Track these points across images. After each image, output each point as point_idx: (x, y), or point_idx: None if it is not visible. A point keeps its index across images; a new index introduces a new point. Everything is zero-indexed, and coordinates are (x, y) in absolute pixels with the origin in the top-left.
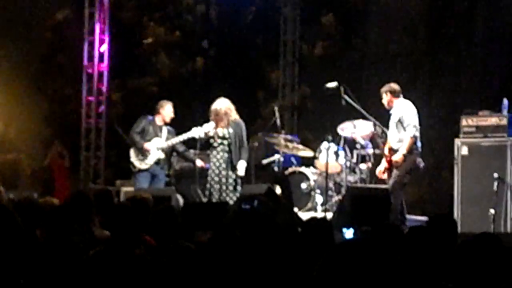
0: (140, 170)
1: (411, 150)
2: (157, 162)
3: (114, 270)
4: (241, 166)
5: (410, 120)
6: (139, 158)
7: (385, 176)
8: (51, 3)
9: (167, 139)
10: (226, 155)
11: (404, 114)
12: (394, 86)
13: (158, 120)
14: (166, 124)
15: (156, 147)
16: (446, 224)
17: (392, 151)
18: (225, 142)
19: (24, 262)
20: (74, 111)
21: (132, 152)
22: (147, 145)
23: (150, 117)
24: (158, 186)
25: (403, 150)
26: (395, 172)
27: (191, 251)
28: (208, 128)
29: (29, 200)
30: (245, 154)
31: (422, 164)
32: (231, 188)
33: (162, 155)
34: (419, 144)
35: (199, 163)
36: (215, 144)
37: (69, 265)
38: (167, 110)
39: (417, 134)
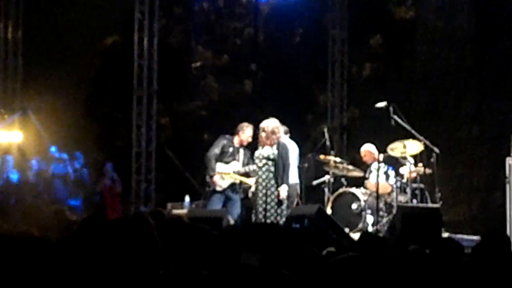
0: (214, 191)
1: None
2: (231, 186)
3: None
4: (283, 190)
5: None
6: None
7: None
8: (101, 29)
9: (243, 163)
10: (270, 175)
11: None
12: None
13: (236, 141)
14: (242, 146)
15: (232, 171)
16: (500, 241)
17: None
18: (270, 162)
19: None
20: (124, 134)
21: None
22: (216, 178)
23: (228, 137)
24: (232, 209)
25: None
26: None
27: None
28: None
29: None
30: (286, 177)
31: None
32: (275, 207)
33: (237, 180)
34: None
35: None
36: (260, 164)
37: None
38: (247, 134)
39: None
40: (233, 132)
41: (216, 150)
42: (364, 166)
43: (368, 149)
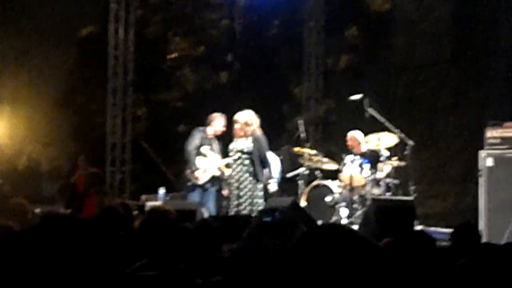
0: (195, 185)
1: None
2: (211, 179)
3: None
4: (273, 185)
5: None
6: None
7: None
8: (76, 19)
9: (221, 155)
10: (244, 168)
11: None
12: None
13: (210, 132)
14: (215, 137)
15: (213, 165)
16: (469, 234)
17: None
18: (243, 156)
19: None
20: (99, 125)
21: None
22: (198, 173)
23: (202, 129)
24: (208, 200)
25: None
26: None
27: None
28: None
29: (55, 214)
30: (270, 169)
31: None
32: (255, 201)
33: (217, 173)
34: None
35: (224, 192)
36: (235, 157)
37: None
38: (219, 123)
39: None
40: (205, 123)
41: (196, 141)
42: (339, 159)
43: (354, 135)
